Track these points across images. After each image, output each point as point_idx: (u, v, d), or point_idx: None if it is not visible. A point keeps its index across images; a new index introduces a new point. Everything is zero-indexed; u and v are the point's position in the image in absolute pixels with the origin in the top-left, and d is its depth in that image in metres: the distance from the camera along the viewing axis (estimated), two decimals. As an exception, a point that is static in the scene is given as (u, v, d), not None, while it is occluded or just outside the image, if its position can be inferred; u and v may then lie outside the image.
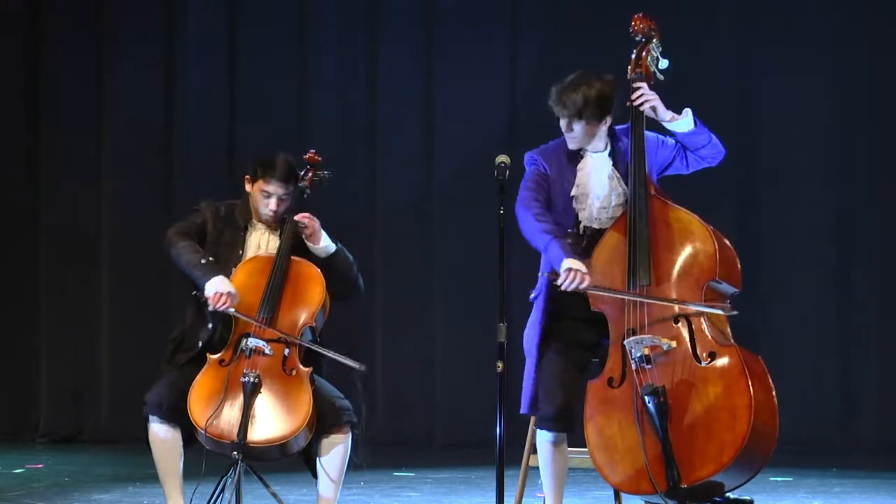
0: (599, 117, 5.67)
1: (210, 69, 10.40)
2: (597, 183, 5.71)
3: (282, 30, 10.35)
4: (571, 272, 5.45)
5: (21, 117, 10.57)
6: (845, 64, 9.69)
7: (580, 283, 5.46)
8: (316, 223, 6.00)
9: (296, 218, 5.98)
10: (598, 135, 5.71)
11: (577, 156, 5.74)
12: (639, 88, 5.70)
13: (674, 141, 5.79)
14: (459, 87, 10.11)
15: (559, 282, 5.48)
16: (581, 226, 5.72)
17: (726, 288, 5.54)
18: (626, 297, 5.50)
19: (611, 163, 5.73)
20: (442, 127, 10.14)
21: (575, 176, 5.71)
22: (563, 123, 5.70)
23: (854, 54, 9.68)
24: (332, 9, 10.33)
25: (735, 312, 5.48)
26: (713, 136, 5.76)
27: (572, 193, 5.70)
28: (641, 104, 5.68)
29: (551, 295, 5.68)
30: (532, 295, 5.76)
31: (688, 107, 5.73)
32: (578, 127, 5.66)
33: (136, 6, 10.49)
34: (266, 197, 6.00)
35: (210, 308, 5.83)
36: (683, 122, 5.71)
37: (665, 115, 5.71)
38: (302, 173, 6.13)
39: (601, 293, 5.52)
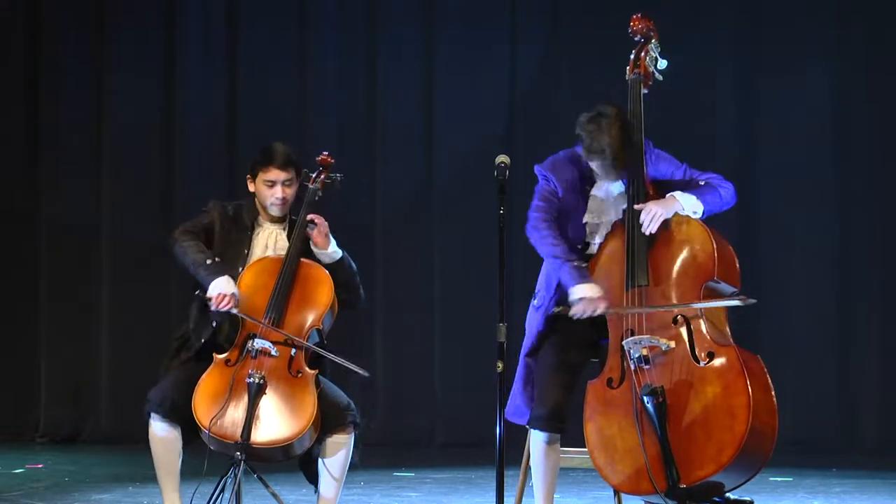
0: None
1: (210, 69, 10.40)
2: (613, 211, 5.70)
3: (282, 30, 10.35)
4: (583, 302, 5.47)
5: (21, 117, 10.56)
6: (845, 65, 9.69)
7: (592, 311, 5.48)
8: (326, 226, 5.99)
9: (308, 217, 5.97)
10: None
11: (590, 177, 5.71)
12: (644, 210, 5.56)
13: (682, 174, 5.74)
14: (459, 87, 10.10)
15: (571, 312, 5.50)
16: (591, 246, 5.72)
17: (725, 287, 5.55)
18: (640, 312, 5.47)
19: (623, 186, 5.71)
20: (442, 127, 10.13)
21: (587, 201, 5.70)
22: (604, 172, 5.62)
23: (854, 57, 9.68)
24: (332, 9, 10.32)
25: (737, 303, 5.41)
26: (723, 196, 5.72)
27: (585, 220, 5.69)
28: (650, 222, 5.55)
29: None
30: (535, 303, 5.76)
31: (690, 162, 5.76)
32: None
33: (136, 6, 10.48)
34: (270, 186, 5.99)
35: (213, 308, 5.83)
36: (698, 213, 5.66)
37: (682, 211, 5.62)
38: (314, 175, 6.13)
39: (615, 312, 5.50)
